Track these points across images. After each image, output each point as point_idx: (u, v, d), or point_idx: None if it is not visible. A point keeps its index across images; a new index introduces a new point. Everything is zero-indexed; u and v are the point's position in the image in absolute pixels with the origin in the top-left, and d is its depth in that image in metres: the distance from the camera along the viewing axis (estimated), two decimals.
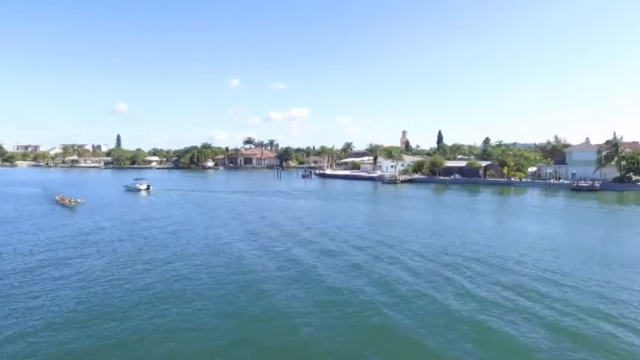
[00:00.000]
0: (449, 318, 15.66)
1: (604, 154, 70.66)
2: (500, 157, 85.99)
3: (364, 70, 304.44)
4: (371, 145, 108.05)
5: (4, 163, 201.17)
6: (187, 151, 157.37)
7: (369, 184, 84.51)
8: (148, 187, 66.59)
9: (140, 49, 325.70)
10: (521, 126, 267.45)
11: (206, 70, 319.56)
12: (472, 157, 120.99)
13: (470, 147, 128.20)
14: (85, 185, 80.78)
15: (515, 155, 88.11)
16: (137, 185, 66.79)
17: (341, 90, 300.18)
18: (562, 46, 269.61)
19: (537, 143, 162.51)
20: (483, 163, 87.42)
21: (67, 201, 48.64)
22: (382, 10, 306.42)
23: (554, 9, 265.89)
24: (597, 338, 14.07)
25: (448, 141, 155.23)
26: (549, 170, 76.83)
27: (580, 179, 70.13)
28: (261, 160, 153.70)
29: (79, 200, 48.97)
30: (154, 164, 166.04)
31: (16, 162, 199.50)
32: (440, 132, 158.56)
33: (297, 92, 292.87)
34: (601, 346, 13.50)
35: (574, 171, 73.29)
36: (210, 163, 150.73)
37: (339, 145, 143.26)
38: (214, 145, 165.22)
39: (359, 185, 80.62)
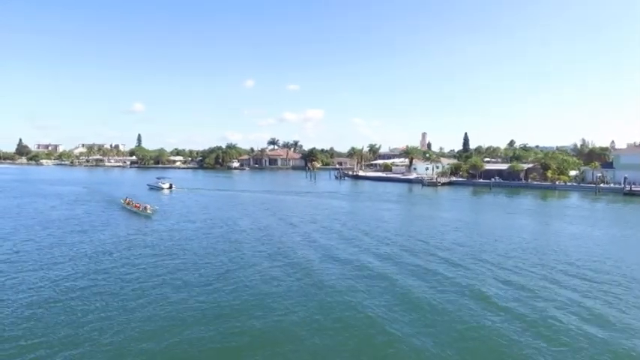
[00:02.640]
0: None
1: None
2: (543, 161, 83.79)
3: (375, 71, 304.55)
4: (407, 146, 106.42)
5: (30, 161, 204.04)
6: (212, 151, 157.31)
7: (406, 186, 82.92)
8: (171, 186, 67.00)
9: (156, 50, 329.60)
10: (541, 128, 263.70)
11: (221, 71, 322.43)
12: (500, 159, 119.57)
13: (505, 150, 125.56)
14: (114, 184, 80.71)
15: (555, 158, 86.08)
16: (160, 184, 67.45)
17: (353, 91, 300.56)
18: (581, 47, 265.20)
19: (558, 146, 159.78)
20: (525, 166, 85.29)
21: (140, 207, 40.79)
22: (396, 11, 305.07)
23: (576, 8, 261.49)
24: None
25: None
26: (598, 174, 74.43)
27: (632, 183, 67.74)
28: (286, 160, 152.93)
29: (151, 207, 40.50)
30: (178, 164, 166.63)
31: (41, 161, 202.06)
32: (466, 134, 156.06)
33: (311, 93, 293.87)
34: None
35: (626, 175, 70.81)
36: (236, 164, 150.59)
37: (353, 146, 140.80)
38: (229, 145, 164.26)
39: (397, 187, 78.98)
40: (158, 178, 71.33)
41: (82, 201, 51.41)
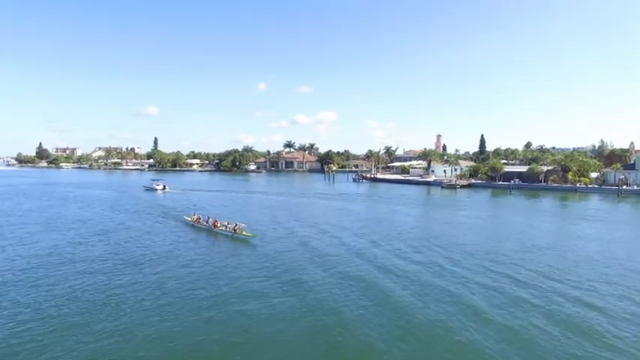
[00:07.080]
0: None
1: None
2: (563, 163, 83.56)
3: (389, 73, 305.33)
4: (425, 149, 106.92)
5: (50, 165, 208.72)
6: (229, 154, 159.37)
7: (425, 188, 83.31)
8: (164, 187, 72.43)
9: (169, 54, 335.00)
10: (557, 130, 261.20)
11: (233, 74, 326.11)
12: (517, 162, 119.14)
13: (523, 151, 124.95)
14: (140, 187, 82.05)
15: (575, 160, 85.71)
16: (154, 185, 73.30)
17: (367, 93, 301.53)
18: (594, 49, 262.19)
19: (576, 147, 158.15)
20: (545, 168, 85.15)
21: (223, 226, 31.48)
22: (409, 12, 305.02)
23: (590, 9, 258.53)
24: None
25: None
26: (621, 176, 74.11)
27: None
28: (302, 163, 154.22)
29: (241, 226, 30.49)
30: (195, 167, 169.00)
31: (61, 164, 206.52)
32: (482, 136, 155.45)
33: (323, 96, 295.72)
34: None
35: None
36: (253, 167, 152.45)
37: (366, 149, 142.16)
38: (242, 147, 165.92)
39: (416, 190, 79.46)
40: (153, 180, 77.66)
41: (123, 207, 50.08)
